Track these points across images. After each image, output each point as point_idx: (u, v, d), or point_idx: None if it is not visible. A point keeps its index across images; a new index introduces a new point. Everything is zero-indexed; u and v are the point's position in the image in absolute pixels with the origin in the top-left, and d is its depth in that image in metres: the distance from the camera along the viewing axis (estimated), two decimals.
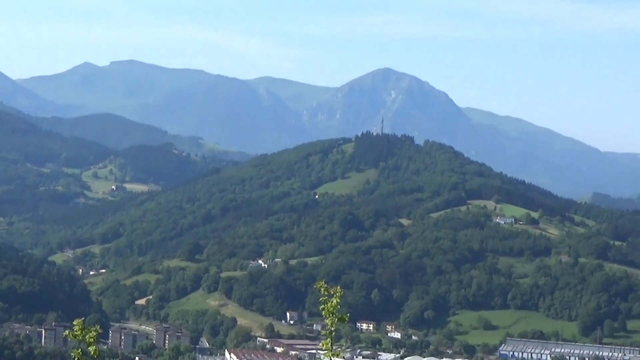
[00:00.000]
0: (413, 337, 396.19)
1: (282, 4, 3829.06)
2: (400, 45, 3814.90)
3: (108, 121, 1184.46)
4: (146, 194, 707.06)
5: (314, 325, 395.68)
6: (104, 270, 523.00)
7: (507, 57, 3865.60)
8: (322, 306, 30.25)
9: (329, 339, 30.69)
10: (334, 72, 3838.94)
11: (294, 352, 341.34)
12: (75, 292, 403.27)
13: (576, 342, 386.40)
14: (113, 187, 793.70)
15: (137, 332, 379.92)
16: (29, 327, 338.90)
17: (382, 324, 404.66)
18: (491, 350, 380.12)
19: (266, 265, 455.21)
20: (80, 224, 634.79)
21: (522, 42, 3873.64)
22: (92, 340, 30.11)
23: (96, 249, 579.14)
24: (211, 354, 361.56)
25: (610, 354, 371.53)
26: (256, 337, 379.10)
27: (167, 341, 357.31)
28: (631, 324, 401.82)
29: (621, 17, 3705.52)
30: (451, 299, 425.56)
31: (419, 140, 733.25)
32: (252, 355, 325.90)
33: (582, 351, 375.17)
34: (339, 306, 30.29)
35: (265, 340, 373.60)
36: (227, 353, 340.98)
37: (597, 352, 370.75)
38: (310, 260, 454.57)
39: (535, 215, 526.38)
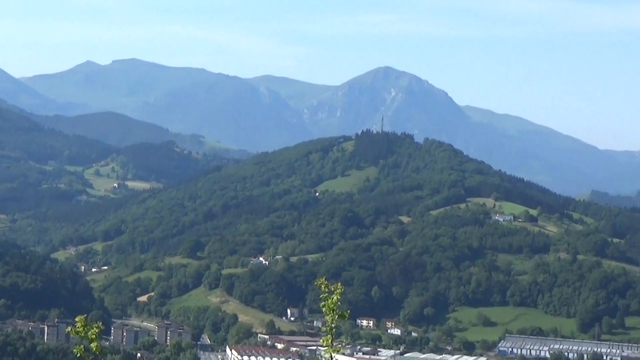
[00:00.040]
0: (413, 333, 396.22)
1: (283, 3, 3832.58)
2: (400, 44, 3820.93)
3: (110, 119, 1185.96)
4: (148, 192, 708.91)
5: (315, 322, 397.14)
6: (106, 268, 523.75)
7: (506, 56, 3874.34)
8: (323, 303, 30.09)
9: (329, 336, 30.39)
10: (334, 71, 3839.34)
11: (294, 349, 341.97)
12: (78, 289, 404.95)
13: (574, 338, 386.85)
14: (115, 184, 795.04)
15: (138, 329, 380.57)
16: (31, 323, 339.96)
17: (382, 320, 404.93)
18: (490, 346, 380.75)
19: (267, 263, 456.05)
20: (82, 221, 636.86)
21: (521, 41, 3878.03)
22: (94, 336, 29.94)
23: (98, 246, 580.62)
24: (212, 351, 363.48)
25: (608, 350, 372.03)
26: (257, 334, 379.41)
27: (168, 338, 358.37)
28: (629, 321, 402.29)
29: (620, 16, 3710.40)
30: (450, 295, 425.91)
31: (419, 139, 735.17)
32: (253, 351, 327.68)
33: (580, 347, 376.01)
34: (339, 303, 30.14)
35: (266, 336, 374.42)
36: (228, 349, 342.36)
37: (595, 349, 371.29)
38: (310, 258, 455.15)
39: (534, 212, 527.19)
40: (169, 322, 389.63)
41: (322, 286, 30.15)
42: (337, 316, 30.01)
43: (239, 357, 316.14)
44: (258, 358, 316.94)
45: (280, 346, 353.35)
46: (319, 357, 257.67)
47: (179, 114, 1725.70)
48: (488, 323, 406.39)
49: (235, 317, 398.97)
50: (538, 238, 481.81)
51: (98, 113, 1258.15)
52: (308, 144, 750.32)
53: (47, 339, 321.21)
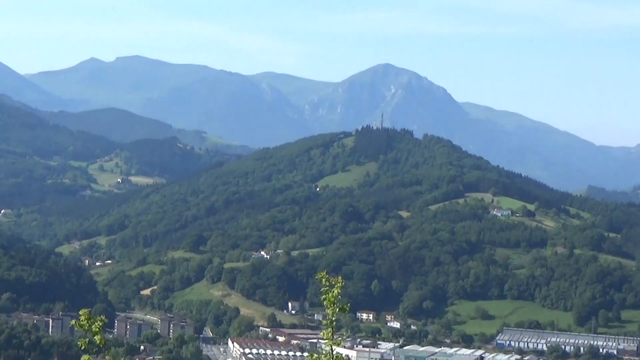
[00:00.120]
0: (412, 326, 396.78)
1: (284, 1, 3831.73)
2: (400, 42, 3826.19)
3: (114, 115, 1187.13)
4: (151, 187, 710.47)
5: (315, 315, 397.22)
6: (109, 261, 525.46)
7: (504, 54, 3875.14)
8: (323, 296, 30.39)
9: (329, 329, 30.57)
10: (335, 68, 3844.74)
11: (295, 342, 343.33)
12: (82, 283, 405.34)
13: (571, 331, 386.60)
14: (119, 180, 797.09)
15: (142, 322, 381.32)
16: (36, 316, 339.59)
17: (382, 313, 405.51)
18: (488, 339, 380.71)
19: (268, 257, 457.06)
20: (86, 216, 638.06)
21: (520, 39, 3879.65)
22: (98, 329, 30.19)
23: (102, 240, 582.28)
24: (215, 343, 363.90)
25: (604, 343, 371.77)
26: (258, 327, 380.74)
27: (171, 330, 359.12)
28: (625, 314, 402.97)
29: (617, 14, 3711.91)
30: (449, 289, 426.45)
31: (418, 135, 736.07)
32: (255, 344, 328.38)
33: (577, 340, 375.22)
34: (339, 296, 30.35)
35: (268, 329, 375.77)
36: (230, 342, 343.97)
37: (592, 342, 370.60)
38: (311, 252, 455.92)
39: (531, 207, 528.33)
40: (172, 315, 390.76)
41: (323, 280, 30.52)
42: (337, 309, 30.41)
43: (241, 349, 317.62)
44: (259, 351, 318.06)
45: (281, 339, 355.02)
46: (320, 350, 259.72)
47: (182, 110, 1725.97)
48: (486, 316, 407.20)
49: (237, 310, 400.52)
50: (535, 233, 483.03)
51: (102, 109, 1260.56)
52: (309, 140, 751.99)
53: (51, 332, 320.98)
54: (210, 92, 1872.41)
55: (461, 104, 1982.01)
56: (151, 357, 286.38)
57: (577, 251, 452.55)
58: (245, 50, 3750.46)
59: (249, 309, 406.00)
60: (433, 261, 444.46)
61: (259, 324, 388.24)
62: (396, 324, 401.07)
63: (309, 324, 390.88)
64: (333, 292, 30.34)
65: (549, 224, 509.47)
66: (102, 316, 30.70)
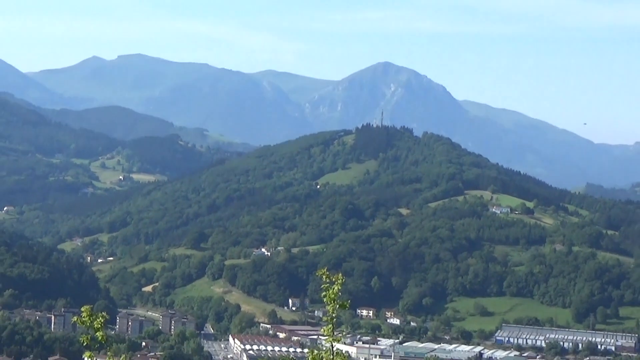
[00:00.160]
0: (411, 323, 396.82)
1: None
2: (400, 40, 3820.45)
3: (115, 113, 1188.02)
4: (153, 184, 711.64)
5: (316, 312, 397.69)
6: (111, 258, 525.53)
7: (503, 52, 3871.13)
8: (324, 293, 30.54)
9: (330, 325, 30.75)
10: (335, 66, 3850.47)
11: (296, 338, 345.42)
12: (84, 280, 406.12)
13: (570, 328, 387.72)
14: (120, 177, 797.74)
15: (143, 318, 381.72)
16: (39, 313, 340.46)
17: (382, 310, 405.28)
18: (487, 336, 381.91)
19: (269, 254, 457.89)
20: (88, 213, 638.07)
21: (518, 37, 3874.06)
22: (99, 326, 30.57)
23: (104, 237, 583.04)
24: (216, 340, 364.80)
25: (603, 339, 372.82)
26: (259, 323, 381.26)
27: (172, 327, 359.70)
28: (623, 311, 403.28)
29: (615, 12, 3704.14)
30: (449, 286, 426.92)
31: (418, 132, 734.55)
32: (256, 340, 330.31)
33: (575, 337, 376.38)
34: (339, 293, 30.44)
35: (268, 326, 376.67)
36: (231, 338, 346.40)
37: (590, 338, 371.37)
38: (311, 249, 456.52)
39: (530, 205, 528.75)
40: (173, 312, 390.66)
41: (323, 277, 30.78)
42: (337, 306, 30.54)
43: (242, 346, 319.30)
44: (260, 347, 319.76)
45: (282, 335, 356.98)
46: (320, 346, 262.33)
47: (183, 108, 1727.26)
48: (485, 313, 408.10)
49: (238, 307, 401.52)
50: (534, 230, 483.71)
51: (104, 107, 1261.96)
52: (309, 138, 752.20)
53: (53, 328, 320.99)
54: (211, 90, 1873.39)
55: (460, 102, 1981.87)
56: (152, 354, 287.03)
57: (575, 248, 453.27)
58: (246, 49, 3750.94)
59: (249, 306, 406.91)
60: (432, 258, 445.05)
61: (260, 320, 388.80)
62: (396, 321, 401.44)
63: (309, 320, 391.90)
64: (333, 288, 30.61)
65: (547, 221, 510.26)
66: (103, 313, 31.42)
